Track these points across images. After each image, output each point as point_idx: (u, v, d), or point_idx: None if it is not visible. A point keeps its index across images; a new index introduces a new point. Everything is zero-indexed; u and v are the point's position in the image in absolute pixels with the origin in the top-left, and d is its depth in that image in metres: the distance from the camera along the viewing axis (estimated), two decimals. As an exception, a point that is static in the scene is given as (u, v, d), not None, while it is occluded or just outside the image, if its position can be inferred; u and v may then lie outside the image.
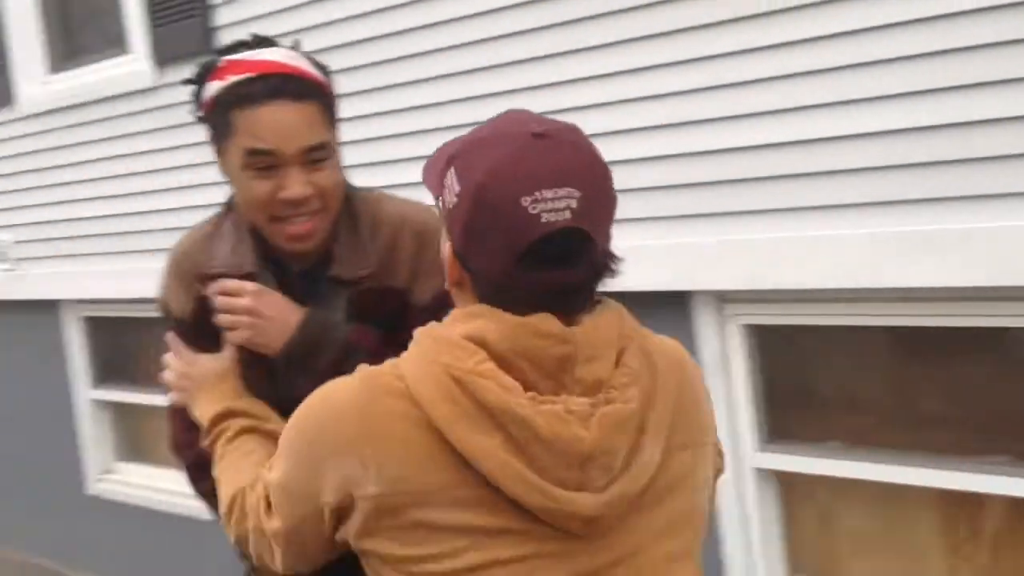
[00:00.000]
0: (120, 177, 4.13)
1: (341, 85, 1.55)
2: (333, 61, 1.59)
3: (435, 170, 1.10)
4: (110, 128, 4.12)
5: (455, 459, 1.02)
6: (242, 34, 3.33)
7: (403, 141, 3.09)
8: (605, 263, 1.07)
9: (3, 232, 4.80)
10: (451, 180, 1.05)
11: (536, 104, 1.57)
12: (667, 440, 1.09)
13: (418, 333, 1.11)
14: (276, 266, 1.49)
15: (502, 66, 2.85)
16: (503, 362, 1.02)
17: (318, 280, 1.47)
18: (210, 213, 1.61)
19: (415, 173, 1.23)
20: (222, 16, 3.62)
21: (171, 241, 1.54)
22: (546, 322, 1.03)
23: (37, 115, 4.46)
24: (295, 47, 1.49)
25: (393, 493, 1.04)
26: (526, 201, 1.00)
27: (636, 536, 1.07)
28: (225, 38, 3.61)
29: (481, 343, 1.03)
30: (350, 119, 1.68)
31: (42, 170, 4.55)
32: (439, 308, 1.21)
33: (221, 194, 1.52)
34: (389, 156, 3.08)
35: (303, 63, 1.45)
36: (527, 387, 1.02)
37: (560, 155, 1.03)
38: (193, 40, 3.68)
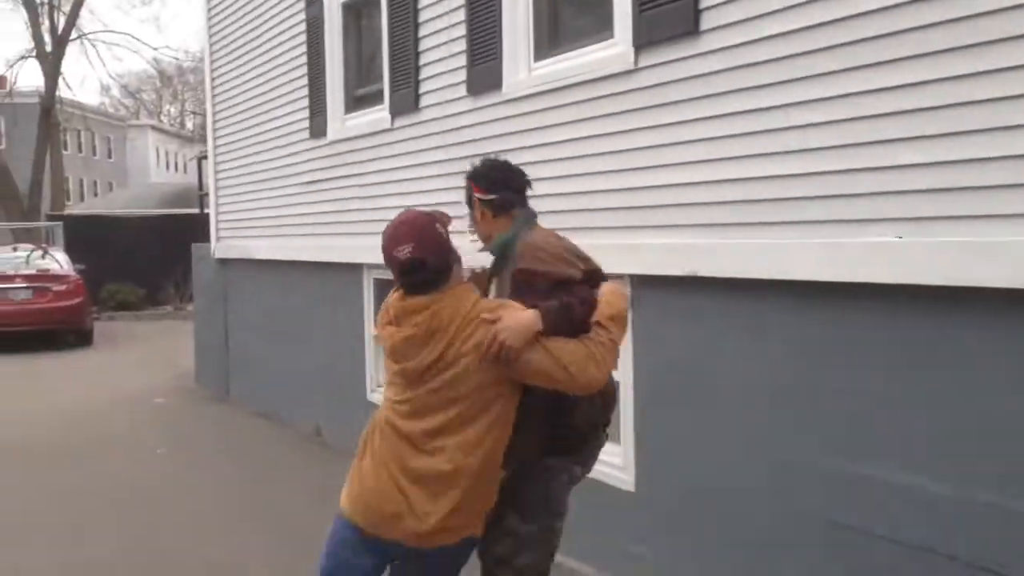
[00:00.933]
0: (587, 157, 4.37)
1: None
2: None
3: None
4: (586, 110, 4.36)
5: None
6: (728, 15, 3.36)
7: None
8: (432, 273, 2.63)
9: (473, 206, 5.30)
10: None
11: None
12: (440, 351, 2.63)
13: None
14: None
15: None
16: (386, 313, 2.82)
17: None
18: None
19: None
20: (709, -1, 3.68)
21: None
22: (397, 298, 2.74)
23: (517, 99, 4.86)
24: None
25: None
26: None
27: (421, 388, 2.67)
28: (710, 20, 3.68)
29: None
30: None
31: (514, 150, 4.95)
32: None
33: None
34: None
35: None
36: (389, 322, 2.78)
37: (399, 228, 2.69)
38: (678, 23, 3.80)
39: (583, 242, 4.23)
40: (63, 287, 14.42)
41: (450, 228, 2.73)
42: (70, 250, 16.93)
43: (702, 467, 3.88)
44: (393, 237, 2.66)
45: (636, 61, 4.05)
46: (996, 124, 2.76)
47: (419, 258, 2.59)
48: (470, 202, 3.01)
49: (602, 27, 4.35)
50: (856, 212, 3.17)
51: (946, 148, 2.89)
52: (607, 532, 4.37)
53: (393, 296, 2.77)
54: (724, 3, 3.61)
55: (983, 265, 2.76)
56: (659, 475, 4.11)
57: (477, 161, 3.09)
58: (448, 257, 2.66)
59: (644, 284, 4.10)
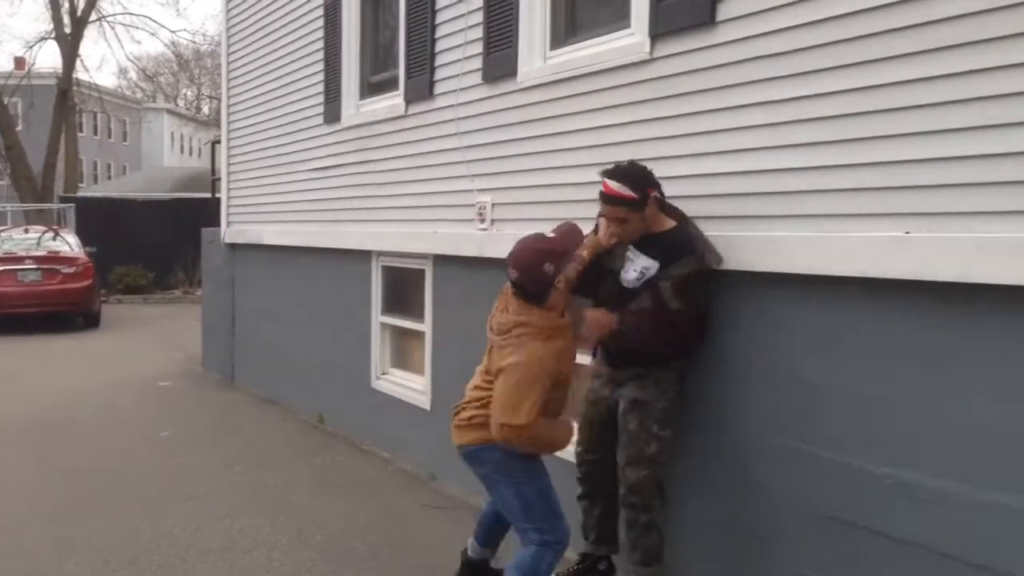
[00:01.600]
0: (600, 147, 4.33)
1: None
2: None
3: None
4: (601, 100, 4.33)
5: None
6: (745, 6, 3.33)
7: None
8: (530, 290, 3.57)
9: (484, 195, 5.28)
10: None
11: None
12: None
13: None
14: None
15: None
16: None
17: None
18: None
19: None
20: (726, -11, 3.64)
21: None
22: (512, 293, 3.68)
23: (532, 88, 4.83)
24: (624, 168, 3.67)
25: None
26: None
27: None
28: (727, 11, 3.64)
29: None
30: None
31: (526, 139, 4.92)
32: None
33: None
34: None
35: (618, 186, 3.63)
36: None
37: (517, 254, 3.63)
38: (694, 14, 3.76)
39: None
40: (72, 269, 14.45)
41: (584, 241, 3.75)
42: (81, 232, 16.98)
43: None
44: (512, 256, 3.62)
45: (652, 51, 4.01)
46: (1009, 120, 2.71)
47: (520, 284, 3.57)
48: (635, 202, 3.59)
49: (619, 16, 4.31)
50: (864, 207, 3.13)
51: (960, 143, 2.84)
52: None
53: (510, 290, 3.65)
54: (737, -3, 3.56)
55: (991, 262, 2.71)
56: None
57: (626, 163, 3.72)
58: (545, 288, 3.55)
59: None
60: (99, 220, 19.09)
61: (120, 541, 4.84)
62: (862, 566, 3.20)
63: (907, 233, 2.98)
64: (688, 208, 3.78)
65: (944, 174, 2.91)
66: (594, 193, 4.37)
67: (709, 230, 3.70)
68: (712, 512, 3.84)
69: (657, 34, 3.97)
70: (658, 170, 3.96)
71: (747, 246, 3.55)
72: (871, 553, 3.16)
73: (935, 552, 2.95)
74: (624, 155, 4.16)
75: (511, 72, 4.95)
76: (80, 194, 24.72)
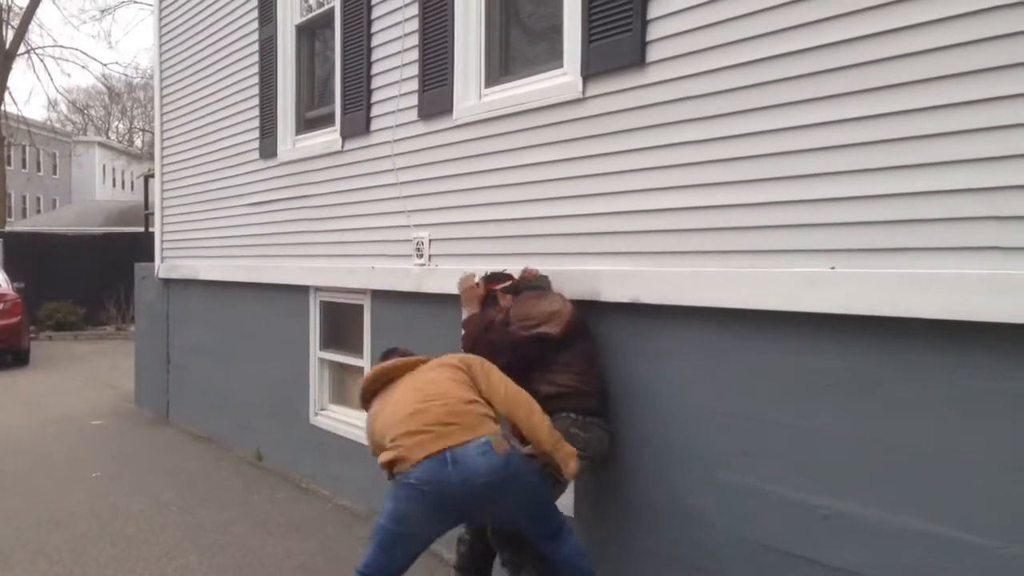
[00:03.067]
0: (537, 183, 4.41)
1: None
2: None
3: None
4: (536, 137, 4.41)
5: None
6: (674, 48, 3.45)
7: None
8: None
9: (421, 230, 5.31)
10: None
11: None
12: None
13: None
14: None
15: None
16: None
17: None
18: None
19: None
20: (656, 30, 3.75)
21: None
22: None
23: (467, 124, 4.90)
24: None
25: None
26: None
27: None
28: (656, 53, 3.75)
29: None
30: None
31: (462, 175, 4.98)
32: None
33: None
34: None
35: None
36: None
37: None
38: (625, 56, 3.87)
39: (536, 266, 4.29)
40: (0, 306, 14.09)
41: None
42: (9, 267, 16.58)
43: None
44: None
45: (584, 90, 4.10)
46: (933, 159, 2.85)
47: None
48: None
49: (552, 56, 4.41)
50: (793, 242, 3.25)
51: (885, 182, 2.97)
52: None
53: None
54: (670, 36, 3.68)
55: (918, 296, 2.83)
56: (595, 497, 4.13)
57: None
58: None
59: (590, 309, 4.14)
60: (28, 255, 18.65)
61: (50, 587, 4.72)
62: (794, 592, 3.29)
63: (832, 268, 3.10)
64: (619, 244, 3.89)
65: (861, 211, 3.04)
66: (531, 228, 4.46)
67: (642, 265, 3.80)
68: (650, 543, 3.89)
69: (589, 74, 4.07)
70: (591, 206, 4.05)
71: (675, 281, 3.65)
72: (802, 579, 3.25)
73: (863, 577, 3.04)
74: (560, 191, 4.25)
75: (447, 109, 5.01)
76: (8, 228, 24.12)
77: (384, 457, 3.41)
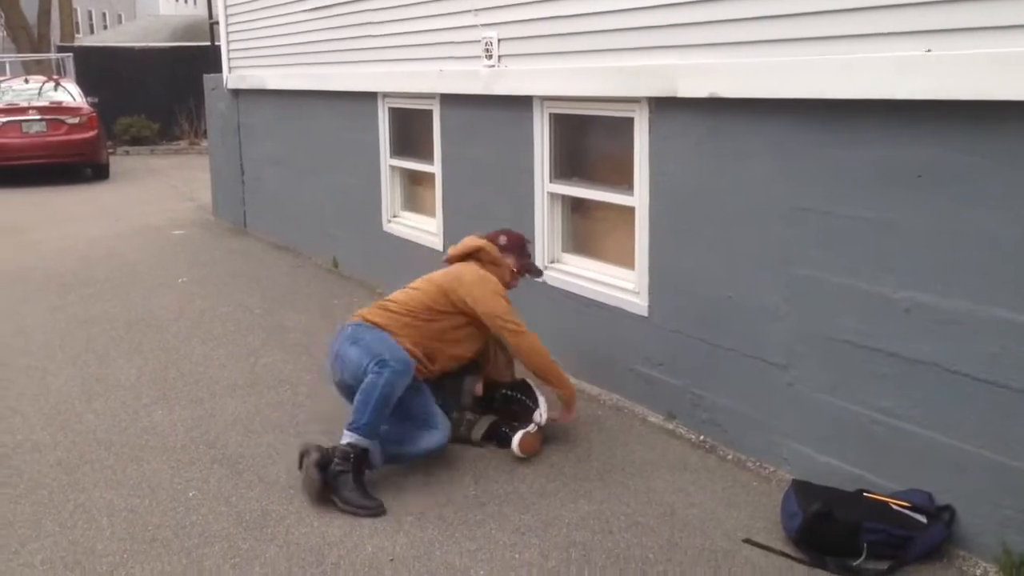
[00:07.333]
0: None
1: None
2: None
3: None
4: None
5: None
6: None
7: None
8: None
9: (490, 30, 5.15)
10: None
11: None
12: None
13: None
14: None
15: None
16: None
17: None
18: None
19: None
20: None
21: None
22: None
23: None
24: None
25: None
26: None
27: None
28: None
29: None
30: None
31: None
32: None
33: None
34: None
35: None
36: None
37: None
38: None
39: (610, 63, 4.15)
40: (77, 120, 14.30)
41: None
42: (81, 83, 16.70)
43: (716, 289, 3.91)
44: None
45: None
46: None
47: None
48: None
49: None
50: (880, 26, 3.06)
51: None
52: (620, 355, 4.47)
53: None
54: None
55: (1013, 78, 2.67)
56: (670, 300, 4.15)
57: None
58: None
59: (662, 106, 4.02)
60: (98, 71, 18.75)
61: (147, 380, 5.01)
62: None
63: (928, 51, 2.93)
64: (697, 35, 3.71)
65: None
66: (603, 23, 4.27)
67: (720, 57, 3.63)
68: (725, 339, 3.93)
69: None
70: (669, -4, 3.86)
71: (758, 71, 3.49)
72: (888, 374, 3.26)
73: (947, 371, 3.03)
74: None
75: None
76: (77, 44, 24.18)
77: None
